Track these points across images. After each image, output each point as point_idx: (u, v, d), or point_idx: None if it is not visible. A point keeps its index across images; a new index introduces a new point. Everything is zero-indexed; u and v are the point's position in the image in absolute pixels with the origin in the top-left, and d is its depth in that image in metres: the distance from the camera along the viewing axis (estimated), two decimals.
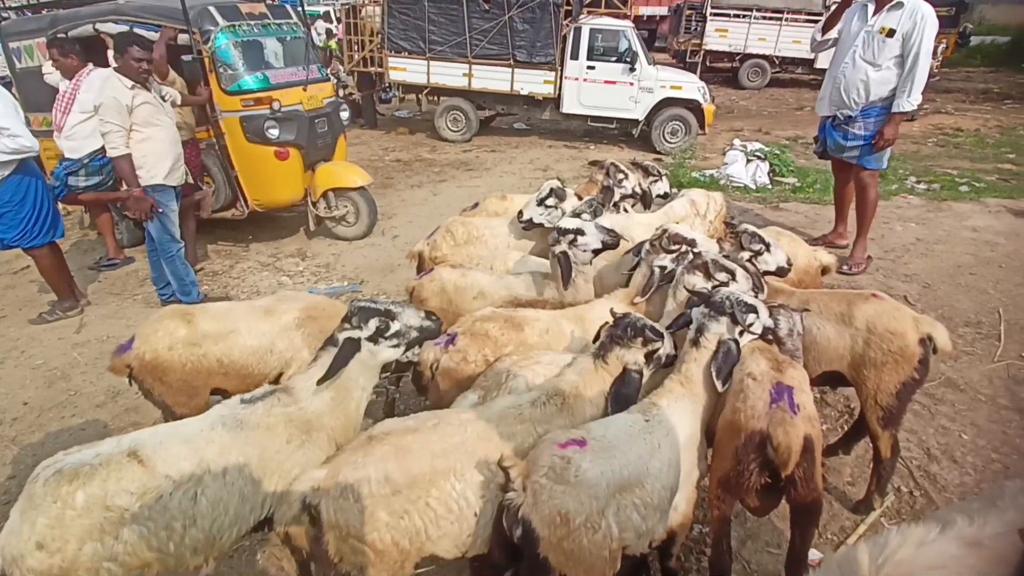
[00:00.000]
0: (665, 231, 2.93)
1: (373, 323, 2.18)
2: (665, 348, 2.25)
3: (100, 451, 1.87)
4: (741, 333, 2.17)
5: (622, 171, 4.31)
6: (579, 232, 3.09)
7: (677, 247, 2.85)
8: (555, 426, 2.09)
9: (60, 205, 5.21)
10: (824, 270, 3.56)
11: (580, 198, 3.96)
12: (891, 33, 4.52)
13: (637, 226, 3.75)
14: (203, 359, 2.73)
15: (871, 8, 4.67)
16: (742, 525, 2.79)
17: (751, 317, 2.19)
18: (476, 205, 4.54)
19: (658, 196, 4.71)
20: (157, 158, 4.49)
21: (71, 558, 1.73)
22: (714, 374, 2.09)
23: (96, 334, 4.69)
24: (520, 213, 3.79)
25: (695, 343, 2.20)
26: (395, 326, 2.23)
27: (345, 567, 1.83)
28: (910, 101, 4.55)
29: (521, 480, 1.79)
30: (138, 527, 1.80)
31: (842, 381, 2.77)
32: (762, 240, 3.03)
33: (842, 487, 3.03)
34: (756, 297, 2.41)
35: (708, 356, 2.16)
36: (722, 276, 2.56)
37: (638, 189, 4.36)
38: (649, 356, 2.23)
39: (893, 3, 4.53)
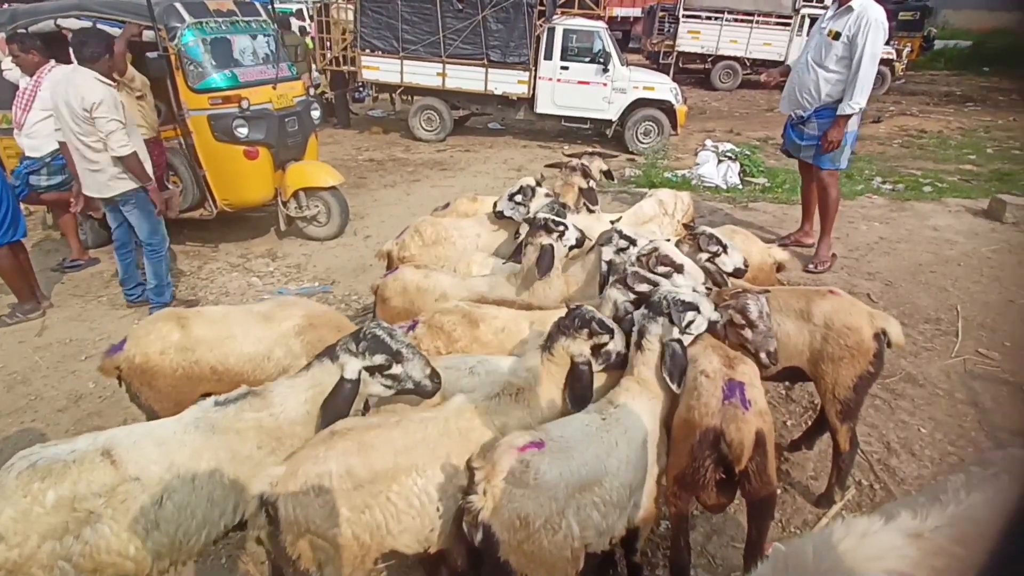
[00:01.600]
0: (656, 249, 2.80)
1: (379, 358, 2.09)
2: (615, 344, 2.25)
3: (76, 447, 1.86)
4: (681, 332, 2.18)
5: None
6: (565, 227, 3.16)
7: (666, 268, 2.70)
8: (513, 418, 2.11)
9: (22, 205, 5.08)
10: (779, 267, 3.60)
11: (549, 196, 3.99)
12: (836, 36, 4.62)
13: (604, 226, 3.78)
14: (195, 365, 2.64)
15: (831, 12, 4.79)
16: (707, 521, 2.83)
17: (689, 315, 2.19)
18: (448, 205, 4.54)
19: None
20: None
21: (28, 554, 1.72)
22: (667, 379, 2.11)
23: (58, 337, 4.59)
24: (495, 205, 3.88)
25: (638, 346, 2.21)
26: (397, 369, 2.11)
27: (304, 564, 1.82)
28: (851, 104, 4.62)
29: (484, 484, 1.79)
30: (100, 528, 1.79)
31: (802, 376, 2.82)
32: (719, 242, 3.04)
33: (805, 481, 3.09)
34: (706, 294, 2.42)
35: (654, 357, 2.17)
36: (643, 287, 2.47)
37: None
38: (596, 350, 2.22)
39: (844, 7, 4.63)
